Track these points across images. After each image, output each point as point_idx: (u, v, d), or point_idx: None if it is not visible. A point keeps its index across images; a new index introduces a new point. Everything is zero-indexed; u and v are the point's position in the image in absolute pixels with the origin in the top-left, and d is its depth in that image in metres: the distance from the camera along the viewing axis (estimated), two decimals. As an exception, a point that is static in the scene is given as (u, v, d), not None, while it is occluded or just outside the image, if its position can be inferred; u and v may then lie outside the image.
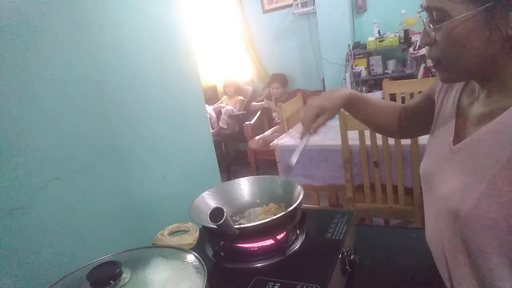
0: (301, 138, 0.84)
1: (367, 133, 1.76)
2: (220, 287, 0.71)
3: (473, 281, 0.59)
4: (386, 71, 3.34)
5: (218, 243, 0.83)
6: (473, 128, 0.61)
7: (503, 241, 0.53)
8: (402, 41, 3.10)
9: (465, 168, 0.58)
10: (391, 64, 3.34)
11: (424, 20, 0.60)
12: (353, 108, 0.87)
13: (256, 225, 0.76)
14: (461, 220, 0.57)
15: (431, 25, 0.58)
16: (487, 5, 0.51)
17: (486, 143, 0.55)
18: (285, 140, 2.21)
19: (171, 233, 0.92)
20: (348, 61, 3.41)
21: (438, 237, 0.65)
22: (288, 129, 2.43)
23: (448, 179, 0.62)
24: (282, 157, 2.16)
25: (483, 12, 0.52)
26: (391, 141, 1.70)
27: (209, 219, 0.68)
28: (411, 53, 3.07)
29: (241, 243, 0.81)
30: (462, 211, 0.56)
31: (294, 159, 0.84)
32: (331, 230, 0.83)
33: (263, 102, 3.94)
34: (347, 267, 0.76)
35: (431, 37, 0.59)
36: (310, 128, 0.81)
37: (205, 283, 0.53)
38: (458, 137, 0.64)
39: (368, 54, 3.38)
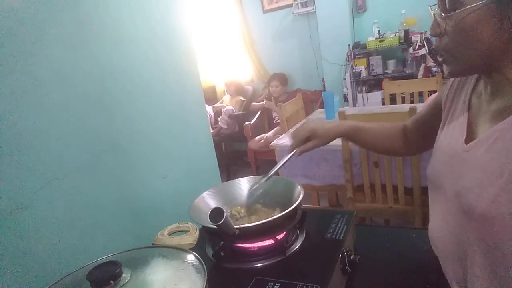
0: (289, 152, 0.88)
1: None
2: (220, 287, 0.71)
3: (487, 281, 0.58)
4: (386, 71, 3.34)
5: (218, 243, 0.83)
6: (487, 126, 0.61)
7: None
8: (402, 41, 3.10)
9: (480, 166, 0.58)
10: (391, 64, 3.34)
11: (435, 10, 0.60)
12: (352, 139, 0.91)
13: (256, 225, 0.76)
14: (477, 217, 0.56)
15: (443, 14, 0.58)
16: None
17: (503, 139, 0.55)
18: (285, 140, 2.21)
19: (171, 233, 0.92)
20: (348, 61, 3.41)
21: (448, 237, 0.65)
22: (289, 129, 2.44)
23: (461, 177, 0.61)
24: (282, 157, 2.15)
25: (495, 1, 0.52)
26: (391, 141, 1.70)
27: (209, 219, 0.68)
28: (411, 53, 3.07)
29: (241, 243, 0.81)
30: (478, 208, 0.56)
31: (272, 172, 0.90)
32: (331, 230, 0.83)
33: (263, 102, 3.94)
34: (347, 267, 0.76)
35: (441, 27, 0.59)
36: (296, 148, 0.87)
37: (205, 283, 0.53)
38: (469, 136, 0.64)
39: (368, 54, 3.38)
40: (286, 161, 0.88)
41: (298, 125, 2.53)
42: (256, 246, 0.80)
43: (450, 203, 0.64)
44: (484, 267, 0.58)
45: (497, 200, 0.53)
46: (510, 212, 0.52)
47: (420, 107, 2.10)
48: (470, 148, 0.61)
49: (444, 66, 0.63)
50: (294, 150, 0.87)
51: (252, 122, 3.95)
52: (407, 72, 3.20)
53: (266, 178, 0.90)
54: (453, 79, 0.75)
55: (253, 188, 0.93)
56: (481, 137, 0.60)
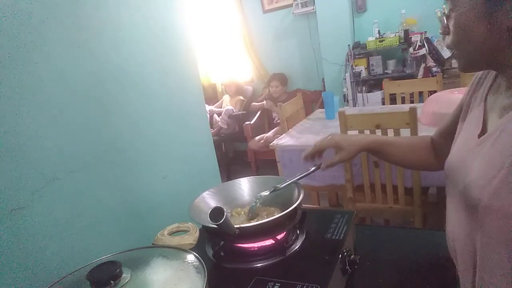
0: (305, 159, 0.88)
1: (367, 132, 1.76)
2: (220, 287, 0.71)
3: (498, 272, 0.58)
4: (386, 71, 3.34)
5: (218, 243, 0.83)
6: (497, 121, 0.62)
7: None
8: (402, 41, 3.11)
9: (487, 159, 0.59)
10: (391, 64, 3.34)
11: (443, 10, 0.66)
12: (378, 153, 0.90)
13: (256, 225, 0.76)
14: (480, 210, 0.57)
15: (445, 14, 0.64)
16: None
17: (507, 132, 0.56)
18: (285, 140, 2.21)
19: (171, 233, 0.92)
20: (348, 61, 3.41)
21: (458, 231, 0.66)
22: (289, 129, 2.44)
23: (471, 171, 0.62)
24: (282, 157, 2.16)
25: (482, 3, 0.57)
26: (391, 141, 1.70)
27: (209, 219, 0.68)
28: (411, 53, 3.07)
29: (241, 243, 0.81)
30: (482, 201, 0.56)
31: (291, 180, 0.88)
32: (331, 230, 0.83)
33: (263, 102, 3.94)
34: (347, 267, 0.76)
35: (444, 26, 0.65)
36: (315, 153, 0.87)
37: (205, 283, 0.53)
38: (483, 131, 0.65)
39: (368, 54, 3.38)
40: (307, 174, 0.88)
41: (299, 125, 2.53)
42: (256, 246, 0.80)
43: (461, 197, 0.65)
44: (493, 260, 0.58)
45: (499, 193, 0.54)
46: (511, 205, 0.53)
47: (420, 107, 2.10)
48: (481, 142, 0.62)
49: (456, 61, 0.68)
50: (317, 165, 0.87)
51: (252, 122, 3.96)
52: (407, 72, 3.20)
53: (281, 187, 0.88)
54: (475, 77, 0.76)
55: (262, 195, 0.90)
56: (490, 131, 0.61)
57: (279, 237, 0.80)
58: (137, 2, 1.05)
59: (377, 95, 3.22)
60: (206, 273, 0.55)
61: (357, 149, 0.86)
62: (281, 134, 2.37)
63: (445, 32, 0.65)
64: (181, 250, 0.65)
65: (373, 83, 3.39)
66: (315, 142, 0.88)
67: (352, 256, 0.78)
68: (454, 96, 1.92)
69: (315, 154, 0.88)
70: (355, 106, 3.33)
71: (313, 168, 0.88)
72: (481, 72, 0.74)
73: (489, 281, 0.59)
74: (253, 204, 0.88)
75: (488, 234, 0.57)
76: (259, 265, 0.75)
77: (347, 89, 3.39)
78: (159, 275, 0.60)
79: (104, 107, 0.94)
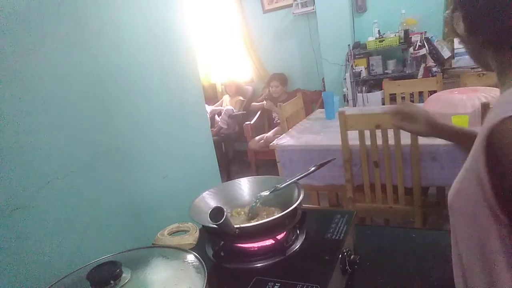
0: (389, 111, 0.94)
1: (367, 133, 1.76)
2: (220, 287, 0.71)
3: (459, 271, 0.61)
4: (386, 71, 3.34)
5: (218, 243, 0.83)
6: None
7: (478, 232, 0.54)
8: (402, 41, 3.11)
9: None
10: (391, 64, 3.34)
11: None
12: (459, 145, 0.89)
13: (256, 225, 0.76)
14: (449, 210, 0.61)
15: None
16: (450, 9, 0.64)
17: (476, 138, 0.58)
18: (285, 140, 2.21)
19: (171, 233, 0.92)
20: (348, 61, 3.41)
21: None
22: (289, 129, 2.43)
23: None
24: (282, 157, 2.16)
25: (451, 14, 0.64)
26: (391, 141, 1.70)
27: (209, 218, 0.68)
28: (411, 53, 3.07)
29: (241, 243, 0.81)
30: (448, 201, 0.60)
31: (291, 180, 0.89)
32: (331, 230, 0.83)
33: (263, 102, 3.94)
34: (347, 267, 0.76)
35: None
36: (396, 114, 0.93)
37: (205, 283, 0.53)
38: None
39: (368, 54, 3.38)
40: (307, 174, 0.90)
41: (299, 125, 2.53)
42: (256, 246, 0.80)
43: None
44: (455, 257, 0.62)
45: (458, 195, 0.57)
46: (467, 206, 0.56)
47: (420, 107, 2.10)
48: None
49: None
50: (317, 165, 0.91)
51: (252, 122, 3.96)
52: (407, 72, 3.20)
53: (281, 187, 0.89)
54: None
55: (262, 195, 0.90)
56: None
57: (279, 237, 0.80)
58: (137, 2, 1.05)
59: (377, 95, 3.22)
60: (206, 273, 0.55)
61: (431, 131, 0.89)
62: (281, 134, 2.37)
63: None
64: (181, 250, 0.65)
65: (373, 83, 3.39)
66: (403, 104, 0.96)
67: (352, 256, 0.78)
68: (454, 96, 1.92)
69: (397, 110, 0.93)
70: (355, 106, 3.33)
71: (313, 168, 0.88)
72: None
73: (455, 279, 0.63)
74: (253, 204, 0.89)
75: (454, 232, 0.61)
76: (259, 265, 0.75)
77: (347, 89, 3.39)
78: (159, 275, 0.60)
79: (104, 107, 0.94)
